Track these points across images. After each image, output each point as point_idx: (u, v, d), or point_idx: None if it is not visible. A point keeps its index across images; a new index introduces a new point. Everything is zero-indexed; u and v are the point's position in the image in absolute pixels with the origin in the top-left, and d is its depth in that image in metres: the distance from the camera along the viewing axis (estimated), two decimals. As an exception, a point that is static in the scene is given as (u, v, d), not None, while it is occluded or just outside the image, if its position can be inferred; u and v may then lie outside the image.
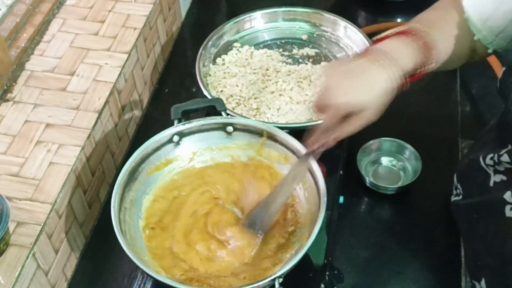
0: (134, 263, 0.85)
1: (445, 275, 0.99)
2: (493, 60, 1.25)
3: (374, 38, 0.93)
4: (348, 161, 1.11)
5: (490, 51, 0.93)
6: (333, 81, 0.86)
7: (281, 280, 0.84)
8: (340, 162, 1.10)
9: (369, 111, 0.85)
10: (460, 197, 0.99)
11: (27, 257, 0.86)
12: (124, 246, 0.86)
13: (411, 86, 1.28)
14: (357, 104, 0.84)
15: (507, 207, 0.82)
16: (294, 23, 1.33)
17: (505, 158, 0.84)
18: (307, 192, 0.97)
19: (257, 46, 1.30)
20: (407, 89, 0.90)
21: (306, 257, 0.87)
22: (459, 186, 0.99)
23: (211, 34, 1.26)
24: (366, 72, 0.85)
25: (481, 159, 0.90)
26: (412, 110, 1.23)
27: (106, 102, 1.06)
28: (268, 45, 1.31)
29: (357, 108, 0.85)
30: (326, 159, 1.05)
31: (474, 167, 0.92)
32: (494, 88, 1.23)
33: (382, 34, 0.92)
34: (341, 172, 1.09)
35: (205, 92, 1.14)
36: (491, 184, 0.87)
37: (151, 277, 0.87)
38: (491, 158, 0.87)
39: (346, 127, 0.87)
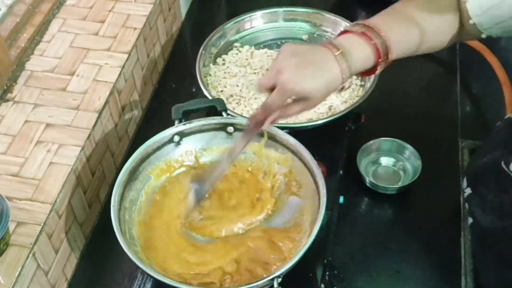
0: (134, 263, 0.86)
1: (445, 275, 0.99)
2: (494, 61, 1.25)
3: (343, 30, 0.95)
4: (348, 161, 1.11)
5: (483, 36, 0.93)
6: (288, 65, 0.87)
7: (279, 280, 0.84)
8: (340, 162, 1.10)
9: (314, 100, 0.88)
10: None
11: (27, 257, 0.86)
12: (124, 246, 0.86)
13: (411, 86, 1.29)
14: (306, 93, 0.87)
15: None
16: (294, 23, 1.33)
17: None
18: (307, 192, 0.97)
19: (258, 46, 1.30)
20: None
21: (306, 257, 0.87)
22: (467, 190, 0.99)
23: (211, 34, 1.26)
24: (322, 63, 0.88)
25: (503, 164, 0.88)
26: (412, 110, 1.23)
27: (106, 102, 1.06)
28: (268, 45, 1.31)
29: (305, 96, 0.87)
30: (326, 159, 1.06)
31: (492, 170, 0.91)
32: (494, 88, 1.24)
33: (347, 27, 0.94)
34: (341, 172, 1.09)
35: (206, 92, 1.14)
36: None
37: (151, 276, 0.87)
38: None
39: (287, 110, 0.90)
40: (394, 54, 0.91)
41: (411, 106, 1.24)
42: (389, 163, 1.13)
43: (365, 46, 0.90)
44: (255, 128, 0.92)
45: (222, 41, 1.29)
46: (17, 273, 0.84)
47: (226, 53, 1.28)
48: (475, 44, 1.31)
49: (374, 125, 1.19)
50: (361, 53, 0.89)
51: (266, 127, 0.91)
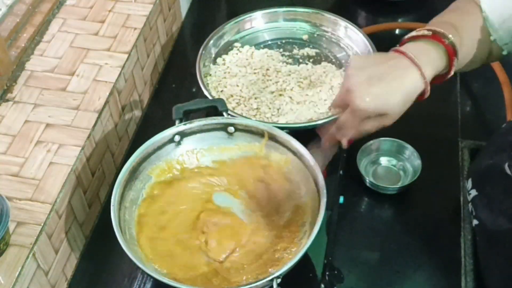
0: (134, 263, 0.86)
1: (445, 275, 0.99)
2: (493, 60, 1.25)
3: (406, 37, 0.91)
4: (348, 161, 1.10)
5: (505, 52, 0.92)
6: (358, 82, 0.83)
7: (279, 280, 0.84)
8: (340, 162, 1.10)
9: (391, 116, 0.85)
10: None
11: (27, 257, 0.86)
12: (124, 246, 0.86)
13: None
14: (381, 110, 0.83)
15: None
16: (294, 23, 1.33)
17: None
18: (307, 192, 0.97)
19: (258, 46, 1.30)
20: (429, 96, 0.88)
21: (306, 257, 0.87)
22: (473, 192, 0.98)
23: (211, 34, 1.26)
24: (397, 72, 0.83)
25: (506, 167, 0.87)
26: (412, 110, 1.22)
27: (106, 102, 1.06)
28: (268, 45, 1.31)
29: (380, 113, 0.84)
30: (326, 159, 1.06)
31: (497, 173, 0.89)
32: (494, 88, 1.24)
33: (412, 33, 0.90)
34: (341, 172, 1.09)
35: (206, 92, 1.14)
36: None
37: (151, 276, 0.87)
38: None
39: (363, 127, 0.86)
40: (460, 56, 0.88)
41: (411, 106, 1.24)
42: (389, 163, 1.13)
43: (436, 47, 0.86)
44: (332, 148, 0.93)
45: (222, 41, 1.29)
46: (17, 273, 0.85)
47: (226, 53, 1.28)
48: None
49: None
50: (434, 53, 0.85)
51: (344, 146, 0.91)
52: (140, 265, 0.85)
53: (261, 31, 1.32)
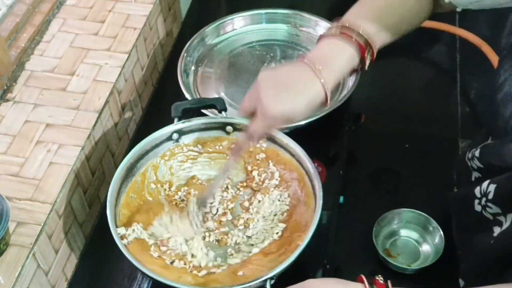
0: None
1: (445, 275, 0.99)
2: (495, 60, 1.25)
3: (321, 34, 0.94)
4: (348, 161, 1.10)
5: (459, 9, 0.92)
6: (266, 91, 0.88)
7: (272, 281, 0.84)
8: (340, 162, 1.10)
9: (296, 119, 0.89)
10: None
11: (27, 257, 0.86)
12: (120, 244, 0.86)
13: (411, 86, 1.29)
14: (288, 118, 0.88)
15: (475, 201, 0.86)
16: (275, 24, 1.31)
17: (477, 153, 0.89)
18: (305, 194, 0.97)
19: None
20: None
21: (306, 257, 0.87)
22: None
23: (192, 38, 1.26)
24: (301, 83, 0.88)
25: (466, 154, 0.92)
26: (412, 110, 1.23)
27: (106, 102, 1.06)
28: (252, 47, 1.29)
29: (287, 119, 0.89)
30: (326, 159, 1.06)
31: (461, 162, 0.95)
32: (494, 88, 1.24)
33: (324, 33, 0.94)
34: (341, 172, 1.09)
35: (187, 95, 1.14)
36: (473, 179, 0.92)
37: (149, 277, 0.86)
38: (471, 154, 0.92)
39: (269, 130, 0.94)
40: (378, 44, 0.91)
41: (411, 106, 1.24)
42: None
43: (346, 46, 0.89)
44: (241, 151, 0.96)
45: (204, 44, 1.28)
46: (17, 273, 0.85)
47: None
48: (475, 39, 1.31)
49: (374, 125, 1.19)
50: (344, 55, 0.89)
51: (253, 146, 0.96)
52: (138, 265, 0.85)
53: (243, 34, 1.31)
